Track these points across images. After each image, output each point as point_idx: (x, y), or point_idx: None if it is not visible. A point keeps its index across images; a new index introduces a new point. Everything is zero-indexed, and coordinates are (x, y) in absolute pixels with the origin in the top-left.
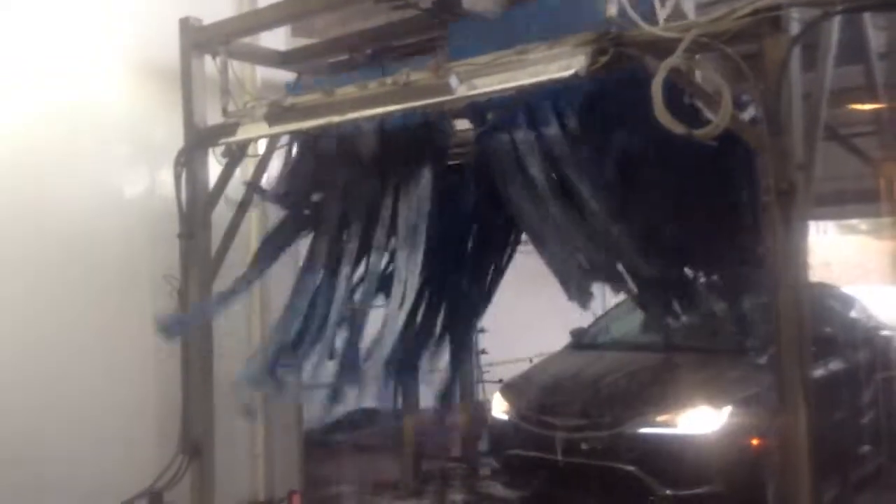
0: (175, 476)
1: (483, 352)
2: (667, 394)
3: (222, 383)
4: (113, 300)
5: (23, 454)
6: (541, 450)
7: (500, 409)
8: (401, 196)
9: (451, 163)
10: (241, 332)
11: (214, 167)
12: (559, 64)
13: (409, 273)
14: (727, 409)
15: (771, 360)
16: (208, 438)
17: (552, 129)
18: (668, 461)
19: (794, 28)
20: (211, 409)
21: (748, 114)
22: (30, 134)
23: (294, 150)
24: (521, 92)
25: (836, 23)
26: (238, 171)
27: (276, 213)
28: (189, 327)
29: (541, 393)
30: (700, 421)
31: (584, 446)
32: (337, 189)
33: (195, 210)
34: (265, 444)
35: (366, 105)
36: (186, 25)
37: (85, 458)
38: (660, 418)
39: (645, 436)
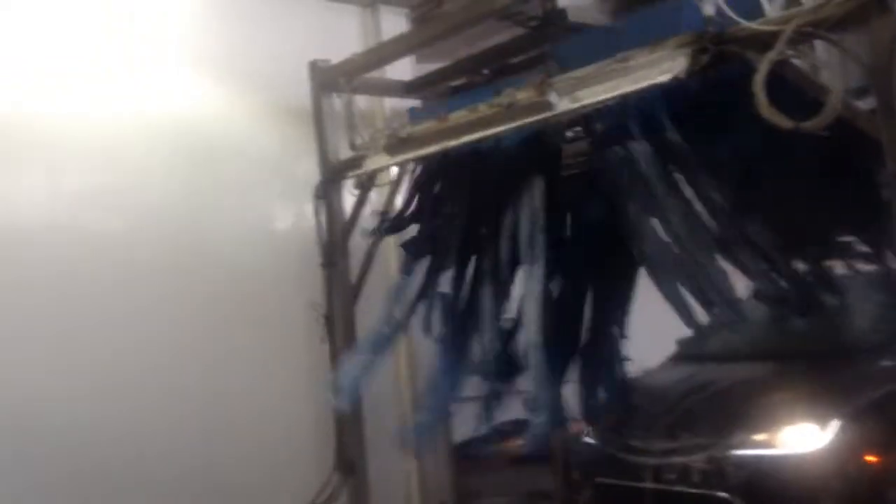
0: (332, 493)
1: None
2: (766, 409)
3: (372, 400)
4: (267, 328)
5: (195, 468)
6: (630, 477)
7: (586, 431)
8: (519, 210)
9: (570, 172)
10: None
11: (350, 198)
12: (660, 68)
13: (531, 286)
14: (835, 424)
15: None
16: (361, 455)
17: (668, 134)
18: (768, 486)
19: None
20: (362, 428)
21: (869, 102)
22: (181, 176)
23: (415, 177)
24: (627, 99)
25: None
26: (374, 198)
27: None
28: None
29: (628, 413)
30: (803, 439)
31: (672, 473)
32: (460, 211)
33: (334, 240)
34: (418, 463)
35: (477, 128)
36: (315, 67)
37: (248, 476)
38: (757, 438)
39: (741, 458)
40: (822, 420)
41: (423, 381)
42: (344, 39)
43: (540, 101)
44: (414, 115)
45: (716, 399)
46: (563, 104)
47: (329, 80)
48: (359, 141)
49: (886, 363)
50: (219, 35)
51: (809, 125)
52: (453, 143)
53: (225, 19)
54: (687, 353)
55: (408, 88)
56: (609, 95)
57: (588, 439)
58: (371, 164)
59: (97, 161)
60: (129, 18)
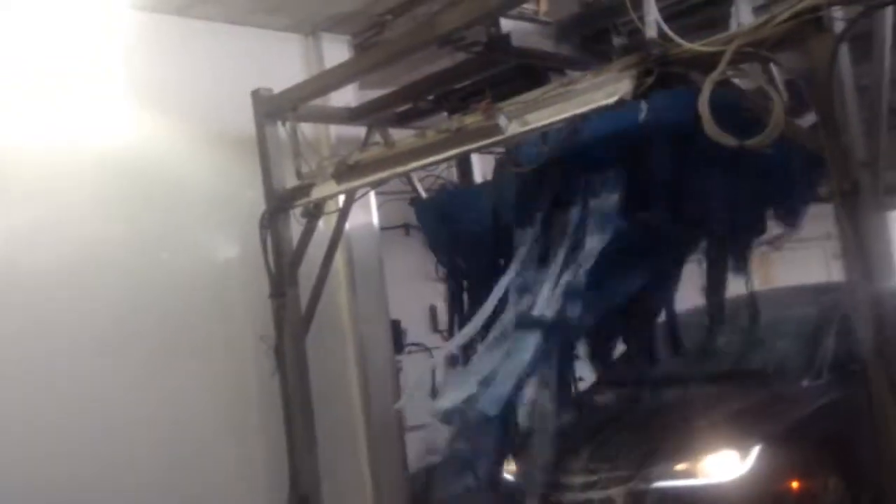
0: None
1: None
2: (687, 437)
3: (325, 436)
4: (216, 361)
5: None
6: None
7: (510, 469)
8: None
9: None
10: (341, 384)
11: (297, 227)
12: (606, 90)
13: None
14: (755, 450)
15: (817, 381)
16: (316, 492)
17: None
18: None
19: (839, 26)
20: (316, 462)
21: (810, 119)
22: (122, 209)
23: None
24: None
25: (890, 10)
26: (321, 226)
27: (359, 262)
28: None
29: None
30: (723, 467)
31: None
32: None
33: (282, 269)
34: (373, 494)
35: (425, 154)
36: (257, 96)
37: None
38: (677, 468)
39: (662, 490)
40: (743, 447)
41: (378, 410)
42: (286, 67)
43: (488, 126)
44: None
45: (636, 428)
46: (511, 128)
47: (272, 108)
48: (305, 169)
49: (808, 384)
50: (159, 66)
51: (753, 143)
52: (401, 169)
53: (165, 51)
54: (607, 379)
55: (352, 115)
56: (556, 118)
57: (508, 476)
58: (319, 192)
59: (33, 196)
60: (66, 49)
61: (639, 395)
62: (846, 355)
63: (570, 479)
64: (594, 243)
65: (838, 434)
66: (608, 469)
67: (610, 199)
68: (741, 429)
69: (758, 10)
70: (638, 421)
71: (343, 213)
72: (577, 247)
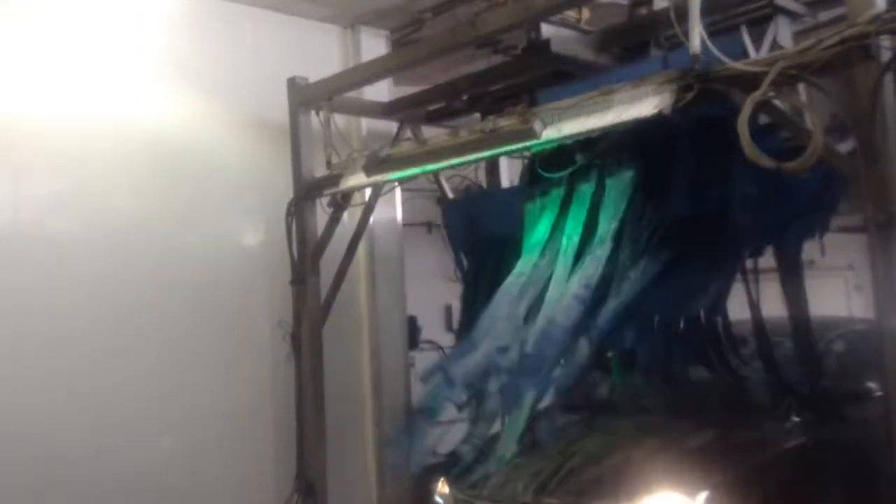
0: None
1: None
2: (627, 475)
3: (335, 426)
4: (233, 343)
5: (153, 489)
6: None
7: (441, 492)
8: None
9: None
10: (354, 375)
11: (323, 216)
12: (645, 103)
13: None
14: (702, 496)
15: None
16: (322, 477)
17: None
18: None
19: (885, 55)
20: (324, 451)
21: (848, 145)
22: (152, 186)
23: None
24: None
25: None
26: (346, 218)
27: (381, 256)
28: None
29: (478, 471)
30: None
31: None
32: None
33: (305, 258)
34: (378, 487)
35: (457, 153)
36: (293, 84)
37: (208, 493)
38: None
39: None
40: (691, 490)
41: (388, 404)
42: (323, 58)
43: (524, 129)
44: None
45: (582, 457)
46: (547, 133)
47: (307, 97)
48: (335, 160)
49: (775, 424)
50: (198, 47)
51: (792, 166)
52: (431, 166)
53: (205, 32)
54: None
55: (385, 110)
56: (592, 127)
57: (438, 499)
58: (348, 183)
59: (67, 166)
60: (109, 24)
61: (593, 421)
62: (822, 396)
63: (510, 493)
64: (606, 225)
65: (802, 483)
66: (541, 498)
67: (625, 176)
68: (692, 470)
69: (799, 34)
70: (584, 450)
71: (369, 207)
72: (590, 229)
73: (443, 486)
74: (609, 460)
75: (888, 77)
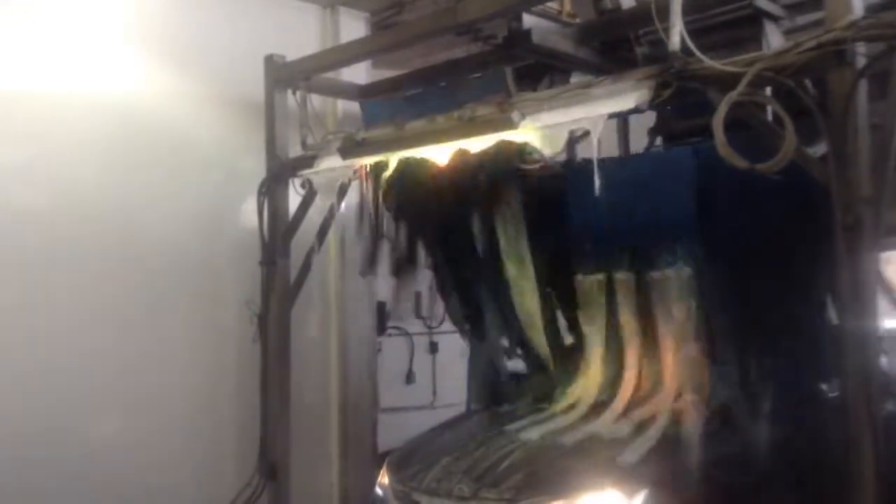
0: (252, 496)
1: None
2: (565, 470)
3: (299, 409)
4: (198, 323)
5: (113, 466)
6: None
7: (382, 483)
8: None
9: None
10: (320, 359)
11: (294, 197)
12: (622, 97)
13: None
14: (642, 494)
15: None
16: (285, 460)
17: None
18: None
19: (860, 61)
20: (288, 434)
21: (821, 149)
22: (120, 157)
23: None
24: None
25: None
26: (317, 200)
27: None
28: None
29: (417, 467)
30: None
31: None
32: None
33: (275, 238)
34: (340, 471)
35: (434, 139)
36: (270, 62)
37: (168, 473)
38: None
39: None
40: (630, 488)
41: (354, 389)
42: (301, 38)
43: (501, 119)
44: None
45: (523, 449)
46: (524, 123)
47: (284, 75)
48: (310, 140)
49: (726, 427)
50: (173, 21)
51: (764, 167)
52: (407, 151)
53: (181, 5)
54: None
55: (362, 92)
56: (570, 119)
57: (378, 490)
58: (323, 164)
59: (32, 135)
60: None
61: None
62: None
63: (447, 487)
64: None
65: (751, 484)
66: (480, 492)
67: None
68: (635, 467)
69: (787, 33)
70: (526, 445)
71: (342, 189)
72: None
73: (383, 477)
74: (550, 455)
75: (862, 83)
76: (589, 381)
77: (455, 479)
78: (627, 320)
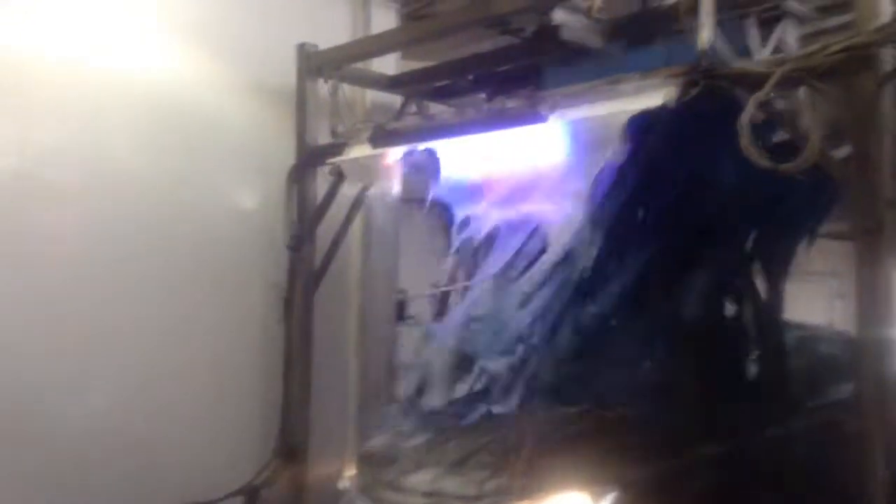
0: (270, 477)
1: None
2: (535, 471)
3: (319, 392)
4: (226, 305)
5: (137, 441)
6: None
7: (350, 478)
8: None
9: None
10: (341, 344)
11: (323, 184)
12: (650, 94)
13: None
14: (610, 496)
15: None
16: (304, 442)
17: None
18: None
19: (886, 65)
20: (308, 417)
21: (844, 151)
22: (153, 140)
23: None
24: None
25: None
26: (345, 187)
27: (376, 228)
28: None
29: (383, 458)
30: None
31: None
32: None
33: (303, 224)
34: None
35: (463, 130)
36: (303, 51)
37: (189, 452)
38: None
39: None
40: (598, 490)
41: (373, 375)
42: (331, 27)
43: (531, 112)
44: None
45: (492, 451)
46: (553, 117)
47: (315, 64)
48: (340, 128)
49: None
50: (207, 7)
51: (788, 167)
52: (437, 142)
53: None
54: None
55: (392, 83)
56: (597, 114)
57: (347, 486)
58: (353, 152)
59: (69, 114)
60: None
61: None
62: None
63: (412, 482)
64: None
65: (721, 490)
66: (445, 488)
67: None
68: (604, 469)
69: (805, 38)
70: (494, 442)
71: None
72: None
73: (349, 470)
74: (517, 454)
75: (888, 87)
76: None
77: (419, 474)
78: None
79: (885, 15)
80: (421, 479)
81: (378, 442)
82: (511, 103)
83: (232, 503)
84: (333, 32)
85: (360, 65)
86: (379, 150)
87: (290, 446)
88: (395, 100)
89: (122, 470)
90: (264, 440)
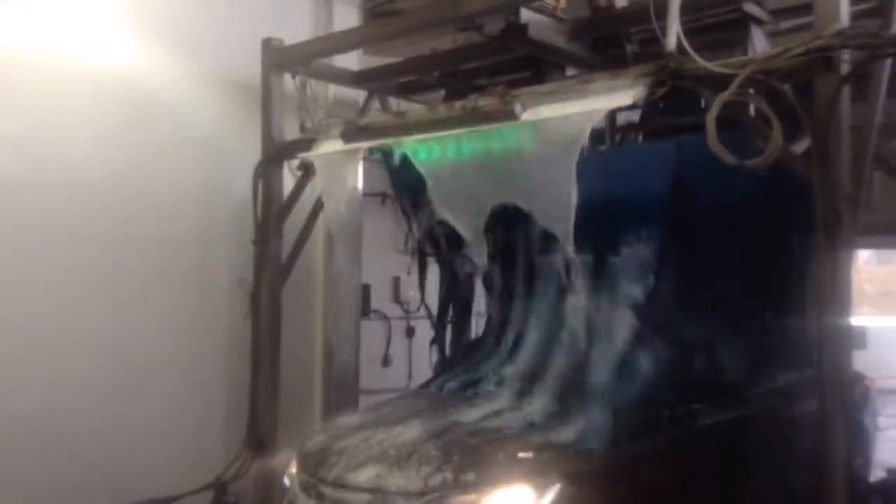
0: (240, 469)
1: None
2: (478, 464)
3: (286, 386)
4: (192, 301)
5: (106, 437)
6: None
7: (290, 474)
8: None
9: None
10: (307, 338)
11: (289, 179)
12: (619, 94)
13: None
14: (553, 489)
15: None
16: (273, 434)
17: None
18: None
19: (845, 67)
20: (276, 409)
21: (802, 146)
22: (116, 133)
23: None
24: None
25: (890, 60)
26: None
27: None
28: None
29: (325, 455)
30: None
31: None
32: None
33: (269, 219)
34: None
35: (435, 127)
36: (268, 46)
37: (158, 446)
38: (459, 499)
39: None
40: (541, 483)
41: (338, 368)
42: (294, 23)
43: (503, 110)
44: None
45: (435, 446)
46: (525, 115)
47: (281, 59)
48: (308, 124)
49: (661, 414)
50: (172, 0)
51: (751, 164)
52: (408, 138)
53: None
54: (431, 382)
55: (357, 78)
56: (569, 112)
57: (286, 480)
58: (323, 147)
59: (27, 106)
60: None
61: (462, 398)
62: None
63: (343, 495)
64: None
65: (663, 483)
66: (386, 484)
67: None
68: (547, 461)
69: (771, 36)
70: (439, 437)
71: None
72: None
73: (291, 467)
74: (461, 449)
75: (846, 88)
76: (521, 362)
77: (361, 470)
78: (576, 301)
79: (843, 19)
80: (365, 475)
81: (318, 440)
82: (483, 101)
83: (202, 497)
84: (296, 28)
85: (323, 60)
86: (350, 147)
87: (259, 440)
88: (358, 95)
89: (91, 465)
90: (233, 435)
